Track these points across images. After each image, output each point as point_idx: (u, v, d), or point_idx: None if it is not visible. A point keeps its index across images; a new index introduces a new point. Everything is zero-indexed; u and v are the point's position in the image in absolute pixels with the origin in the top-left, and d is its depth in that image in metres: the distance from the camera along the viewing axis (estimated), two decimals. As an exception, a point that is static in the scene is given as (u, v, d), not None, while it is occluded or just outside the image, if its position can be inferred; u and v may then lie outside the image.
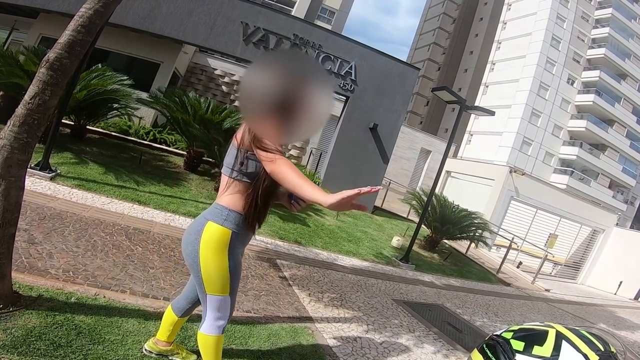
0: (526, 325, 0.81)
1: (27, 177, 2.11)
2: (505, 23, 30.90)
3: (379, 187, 1.17)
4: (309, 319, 3.20)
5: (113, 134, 7.88)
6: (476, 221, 8.76)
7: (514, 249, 11.29)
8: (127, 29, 8.28)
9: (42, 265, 2.61)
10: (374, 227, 8.42)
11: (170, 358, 1.96)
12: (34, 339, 1.82)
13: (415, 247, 7.80)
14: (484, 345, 0.81)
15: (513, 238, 10.91)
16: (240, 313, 2.93)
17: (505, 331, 0.82)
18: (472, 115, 28.21)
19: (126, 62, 10.46)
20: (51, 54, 1.95)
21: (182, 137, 7.48)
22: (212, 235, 1.49)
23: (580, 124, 26.89)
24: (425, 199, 7.98)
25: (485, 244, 9.40)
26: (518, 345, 0.75)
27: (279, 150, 1.35)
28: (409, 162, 18.61)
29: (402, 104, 10.03)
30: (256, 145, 1.37)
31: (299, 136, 1.43)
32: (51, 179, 4.58)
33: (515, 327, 0.81)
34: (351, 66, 9.36)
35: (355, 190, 1.10)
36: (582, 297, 11.46)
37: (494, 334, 0.83)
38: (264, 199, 1.51)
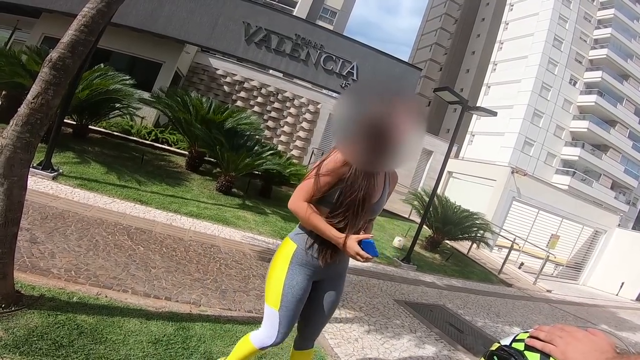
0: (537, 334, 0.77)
1: (29, 176, 2.11)
2: (507, 23, 30.83)
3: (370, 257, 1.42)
4: (311, 320, 3.19)
5: (115, 133, 7.89)
6: (478, 222, 8.74)
7: (515, 249, 11.26)
8: (130, 28, 8.30)
9: (44, 264, 2.62)
10: (375, 227, 8.37)
11: None
12: (35, 338, 1.82)
13: (416, 248, 7.79)
14: (495, 357, 0.78)
15: (515, 239, 10.88)
16: (242, 313, 2.93)
17: (514, 341, 0.78)
18: (474, 116, 28.16)
19: (128, 61, 10.48)
20: (54, 54, 1.96)
21: (184, 137, 7.49)
22: (282, 246, 1.64)
23: (582, 125, 26.80)
24: (427, 199, 7.97)
25: (487, 244, 9.40)
26: (533, 357, 0.72)
27: (312, 193, 1.47)
28: (411, 163, 18.59)
29: (403, 104, 10.01)
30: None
31: (389, 163, 1.43)
32: (53, 178, 4.59)
33: (524, 336, 0.77)
34: (353, 66, 9.36)
35: (360, 251, 1.40)
36: (583, 298, 11.42)
37: (504, 344, 0.79)
38: (338, 227, 1.52)
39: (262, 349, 1.62)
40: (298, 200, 1.50)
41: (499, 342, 0.79)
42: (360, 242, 1.44)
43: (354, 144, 1.32)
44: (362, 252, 1.40)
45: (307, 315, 1.70)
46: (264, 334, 1.61)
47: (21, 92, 5.47)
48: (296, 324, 1.73)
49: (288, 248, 1.60)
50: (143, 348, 2.05)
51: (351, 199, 1.45)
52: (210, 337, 2.37)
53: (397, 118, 1.27)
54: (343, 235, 1.44)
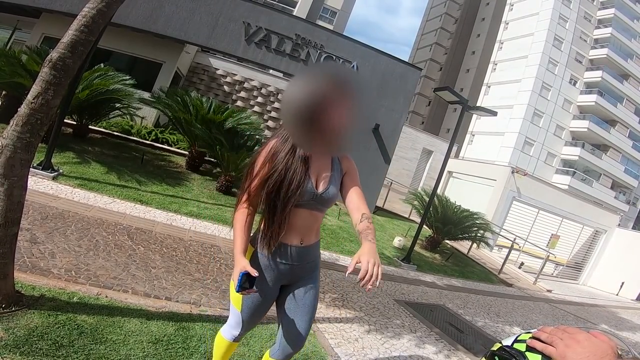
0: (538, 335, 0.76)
1: (29, 176, 2.11)
2: (508, 23, 30.81)
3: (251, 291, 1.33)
4: (311, 319, 3.19)
5: (115, 133, 7.89)
6: (478, 221, 8.74)
7: (515, 249, 11.26)
8: (130, 28, 8.29)
9: (45, 264, 2.62)
10: (375, 227, 8.40)
11: None
12: (36, 338, 1.82)
13: (416, 248, 7.79)
14: (496, 357, 0.77)
15: (515, 238, 10.88)
16: (242, 313, 2.93)
17: (516, 341, 0.77)
18: (474, 116, 28.15)
19: (128, 61, 10.48)
20: (54, 54, 1.96)
21: (184, 137, 7.49)
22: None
23: (582, 125, 26.78)
24: (427, 199, 7.97)
25: (487, 244, 9.40)
26: (534, 358, 0.71)
27: (247, 193, 1.44)
28: (411, 163, 18.59)
29: (403, 104, 10.02)
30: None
31: (335, 148, 1.32)
32: (53, 178, 4.59)
33: (526, 336, 0.77)
34: (353, 66, 9.35)
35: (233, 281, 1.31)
36: (584, 298, 11.42)
37: (505, 345, 0.78)
38: (275, 220, 1.44)
39: (234, 340, 1.67)
40: (237, 203, 1.46)
41: (500, 342, 0.78)
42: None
43: (296, 121, 1.23)
44: (234, 281, 1.30)
45: (283, 325, 1.65)
46: (230, 327, 1.65)
47: (21, 92, 5.47)
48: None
49: (248, 251, 1.54)
50: (143, 348, 2.05)
51: (275, 183, 1.37)
52: (211, 337, 2.37)
53: (335, 103, 1.19)
54: (238, 258, 1.36)
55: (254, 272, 1.31)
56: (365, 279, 1.14)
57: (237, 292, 1.29)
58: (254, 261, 1.50)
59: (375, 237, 1.37)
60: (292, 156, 1.39)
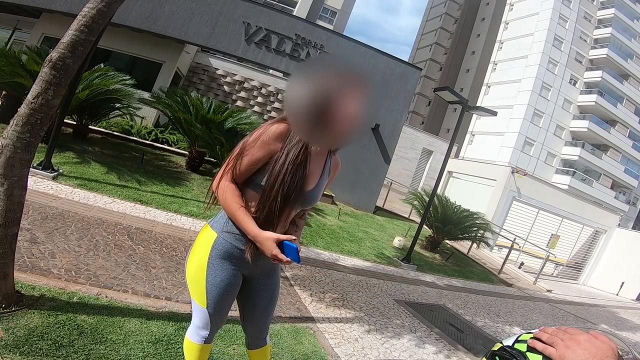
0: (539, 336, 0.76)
1: (29, 176, 2.11)
2: (508, 23, 30.82)
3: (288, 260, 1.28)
4: (311, 319, 3.20)
5: (115, 133, 7.88)
6: (478, 221, 8.73)
7: (515, 249, 11.27)
8: (130, 28, 8.30)
9: (45, 264, 2.62)
10: (375, 227, 8.42)
11: None
12: (36, 338, 1.82)
13: (416, 248, 7.79)
14: (497, 357, 0.77)
15: (515, 238, 10.88)
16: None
17: (517, 342, 0.77)
18: (474, 116, 28.15)
19: (128, 61, 10.47)
20: (54, 54, 1.96)
21: (184, 137, 7.48)
22: (201, 234, 1.45)
23: (582, 125, 26.80)
24: (427, 199, 7.97)
25: (487, 244, 9.40)
26: (535, 359, 0.71)
27: (229, 172, 1.33)
28: (411, 163, 18.59)
29: (403, 104, 10.02)
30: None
31: (338, 141, 1.28)
32: (53, 178, 4.59)
33: (527, 337, 0.77)
34: (353, 66, 9.35)
35: (278, 254, 1.26)
36: (584, 298, 11.42)
37: (506, 345, 0.78)
38: (265, 214, 1.33)
39: (204, 342, 1.50)
40: (220, 179, 1.33)
41: (501, 343, 0.78)
42: (281, 243, 1.27)
43: (304, 115, 1.19)
44: (281, 256, 1.25)
45: (247, 315, 1.58)
46: (198, 328, 1.49)
47: (21, 92, 5.47)
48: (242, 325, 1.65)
49: (207, 238, 1.40)
50: (143, 348, 2.05)
51: (280, 181, 1.28)
52: (211, 337, 2.36)
53: (348, 96, 1.17)
54: (259, 231, 1.27)
55: (292, 237, 1.26)
56: (280, 261, 1.27)
57: (299, 262, 1.26)
58: (214, 249, 1.38)
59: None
60: (300, 149, 1.31)
